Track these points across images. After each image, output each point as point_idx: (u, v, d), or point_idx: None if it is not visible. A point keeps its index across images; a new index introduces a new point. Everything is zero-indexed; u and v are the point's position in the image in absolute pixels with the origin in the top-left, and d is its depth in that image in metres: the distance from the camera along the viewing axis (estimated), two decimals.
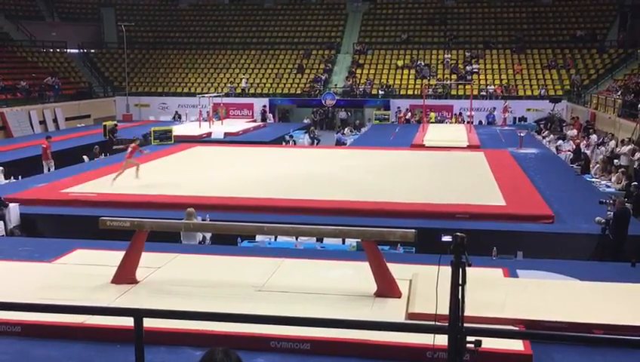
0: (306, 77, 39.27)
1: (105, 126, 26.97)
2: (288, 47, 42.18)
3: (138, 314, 4.32)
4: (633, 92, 26.07)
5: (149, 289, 8.22)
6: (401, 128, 31.72)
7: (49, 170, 19.97)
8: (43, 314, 6.49)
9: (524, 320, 7.02)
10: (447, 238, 4.56)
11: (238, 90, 38.19)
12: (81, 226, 12.49)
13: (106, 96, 38.75)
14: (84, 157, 22.03)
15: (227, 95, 36.33)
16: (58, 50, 40.79)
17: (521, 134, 24.91)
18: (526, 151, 22.84)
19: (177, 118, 37.23)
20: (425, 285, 7.54)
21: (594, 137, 24.02)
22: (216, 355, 2.95)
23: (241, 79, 39.33)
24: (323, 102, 36.54)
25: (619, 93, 27.70)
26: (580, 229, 12.20)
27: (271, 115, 37.02)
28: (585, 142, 23.79)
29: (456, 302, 4.35)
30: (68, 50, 41.47)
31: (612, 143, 21.78)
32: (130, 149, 16.80)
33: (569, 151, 23.16)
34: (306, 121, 36.76)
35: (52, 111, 32.40)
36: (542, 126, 32.10)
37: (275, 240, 11.75)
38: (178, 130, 27.85)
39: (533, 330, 6.81)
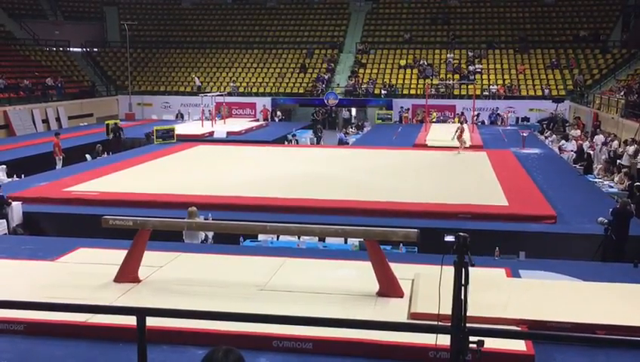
0: (308, 76, 39.28)
1: (107, 125, 27.01)
2: (291, 46, 42.18)
3: (141, 312, 4.33)
4: (636, 92, 26.03)
5: (152, 288, 8.22)
6: (404, 128, 31.72)
7: (62, 165, 20.61)
8: (46, 313, 6.50)
9: (526, 320, 7.02)
10: (450, 238, 4.56)
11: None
12: (84, 225, 12.51)
13: (108, 95, 38.80)
14: (87, 155, 22.09)
15: (230, 94, 36.37)
16: (61, 48, 40.83)
17: (524, 134, 24.91)
18: (529, 152, 22.83)
19: (180, 117, 37.27)
20: (427, 285, 7.54)
21: (600, 137, 23.98)
22: (216, 354, 2.95)
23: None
24: (325, 101, 36.55)
25: (622, 93, 27.67)
26: (583, 229, 12.19)
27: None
28: (588, 142, 23.75)
29: (459, 302, 4.36)
30: (71, 49, 41.53)
31: (615, 144, 21.76)
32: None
33: (572, 151, 23.14)
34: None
35: (55, 109, 32.45)
36: (544, 126, 32.07)
37: (278, 239, 11.75)
38: (180, 129, 27.87)
39: (536, 331, 6.80)
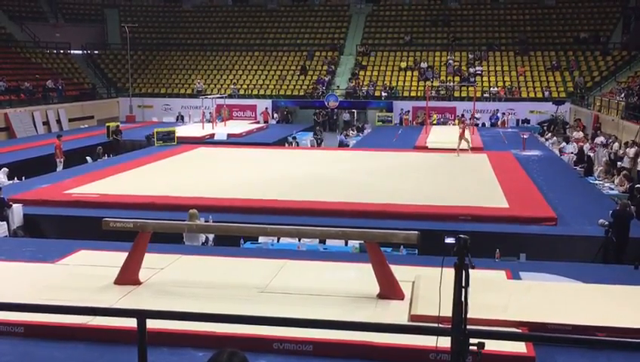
0: (309, 78, 39.30)
1: (108, 127, 27.02)
2: (291, 48, 42.22)
3: (141, 315, 4.33)
4: (637, 94, 26.02)
5: (152, 290, 8.22)
6: (404, 130, 31.74)
7: (62, 167, 20.64)
8: (46, 315, 6.50)
9: (527, 322, 7.01)
10: (450, 240, 4.56)
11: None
12: (85, 227, 12.52)
13: (109, 97, 38.83)
14: (88, 158, 22.10)
15: (230, 96, 36.39)
16: (62, 51, 40.88)
17: (525, 136, 24.91)
18: (529, 154, 22.84)
19: (180, 119, 37.31)
20: (428, 287, 7.53)
21: (601, 139, 23.98)
22: (220, 357, 2.94)
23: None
24: (326, 103, 36.56)
25: (622, 95, 27.66)
26: (583, 231, 12.18)
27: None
28: (589, 144, 23.72)
29: (459, 304, 4.34)
30: (71, 52, 41.57)
31: (615, 145, 21.74)
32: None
33: (572, 153, 23.13)
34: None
35: (55, 112, 32.47)
36: (545, 128, 32.06)
37: (278, 241, 11.75)
38: (181, 131, 27.90)
39: (536, 333, 6.80)
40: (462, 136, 22.06)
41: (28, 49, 38.53)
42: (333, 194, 14.91)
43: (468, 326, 4.30)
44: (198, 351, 6.57)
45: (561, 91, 36.14)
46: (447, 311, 4.49)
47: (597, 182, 18.14)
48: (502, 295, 7.83)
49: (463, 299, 4.36)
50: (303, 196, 14.85)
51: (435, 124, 33.43)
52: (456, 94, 36.95)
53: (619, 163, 19.65)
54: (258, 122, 35.60)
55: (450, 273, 4.52)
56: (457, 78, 37.67)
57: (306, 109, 38.09)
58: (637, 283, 8.61)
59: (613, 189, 16.91)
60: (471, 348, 4.21)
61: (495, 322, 6.83)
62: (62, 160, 21.02)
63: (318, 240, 11.42)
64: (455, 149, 21.87)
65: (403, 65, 39.49)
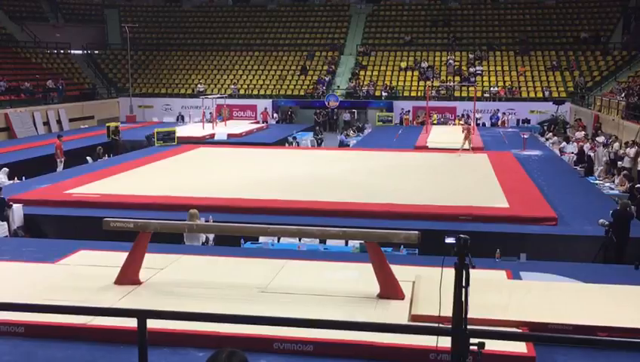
0: (309, 78, 39.30)
1: (108, 127, 27.04)
2: (292, 48, 42.24)
3: (141, 315, 4.33)
4: (637, 94, 26.02)
5: (153, 290, 8.22)
6: (405, 130, 31.74)
7: (62, 167, 20.68)
8: (46, 315, 6.51)
9: (527, 322, 7.01)
10: (450, 240, 4.56)
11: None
12: (85, 227, 12.52)
13: (109, 97, 38.85)
14: (88, 158, 22.10)
15: (230, 96, 36.40)
16: (62, 51, 40.89)
17: (525, 136, 24.91)
18: (529, 153, 22.83)
19: (180, 119, 37.32)
20: (428, 287, 7.53)
21: (601, 138, 23.96)
22: (220, 356, 2.94)
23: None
24: (326, 103, 36.56)
25: (622, 95, 27.66)
26: (584, 231, 12.19)
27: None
28: (589, 144, 23.72)
29: (460, 303, 4.35)
30: (72, 52, 41.58)
31: (616, 145, 21.73)
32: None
33: (572, 153, 23.13)
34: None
35: (56, 112, 32.47)
36: (545, 128, 32.06)
37: (278, 241, 11.75)
38: (181, 131, 27.90)
39: (537, 332, 6.80)
40: (466, 138, 22.09)
41: (28, 49, 38.53)
42: (333, 194, 14.90)
43: (468, 326, 4.30)
44: (198, 351, 6.57)
45: (562, 91, 36.15)
46: (447, 311, 4.50)
47: (597, 182, 18.15)
48: (502, 295, 7.83)
49: (463, 298, 4.36)
50: (303, 196, 14.84)
51: (435, 124, 33.44)
52: (457, 94, 36.96)
53: (619, 163, 19.65)
54: (258, 122, 35.61)
55: (450, 273, 4.52)
56: (457, 78, 37.68)
57: (307, 109, 38.09)
58: (637, 283, 8.61)
59: (613, 189, 16.92)
60: (471, 347, 4.22)
61: (495, 322, 6.83)
62: (62, 160, 21.04)
63: (318, 240, 11.41)
64: (457, 149, 21.88)
65: (403, 65, 39.50)
